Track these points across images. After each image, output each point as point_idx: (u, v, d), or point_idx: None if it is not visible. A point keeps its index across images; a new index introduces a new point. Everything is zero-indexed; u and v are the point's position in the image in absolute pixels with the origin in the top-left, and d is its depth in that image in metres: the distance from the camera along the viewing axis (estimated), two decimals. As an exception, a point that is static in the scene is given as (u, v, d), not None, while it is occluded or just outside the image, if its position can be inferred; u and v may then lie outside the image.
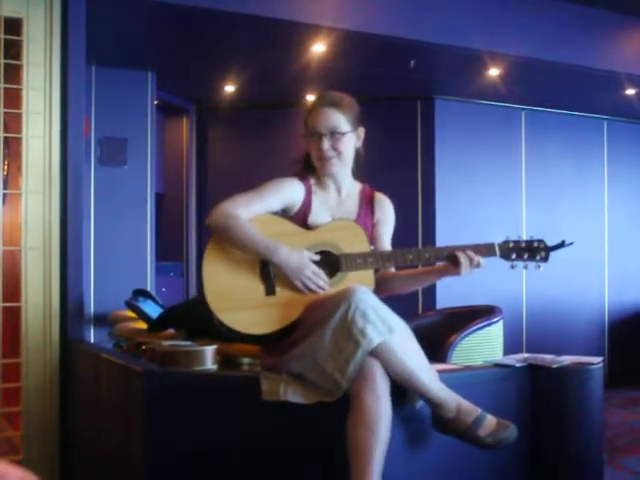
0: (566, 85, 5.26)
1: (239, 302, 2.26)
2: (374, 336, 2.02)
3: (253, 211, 2.30)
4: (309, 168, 2.48)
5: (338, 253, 2.31)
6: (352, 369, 2.03)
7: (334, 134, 2.38)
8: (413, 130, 5.52)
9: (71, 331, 3.10)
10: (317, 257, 2.30)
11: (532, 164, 5.88)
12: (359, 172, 2.54)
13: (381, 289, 2.44)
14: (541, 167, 5.91)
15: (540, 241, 2.35)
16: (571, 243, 2.31)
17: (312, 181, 2.46)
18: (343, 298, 2.08)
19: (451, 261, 2.30)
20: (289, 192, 2.39)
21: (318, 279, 2.26)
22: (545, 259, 2.34)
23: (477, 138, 5.66)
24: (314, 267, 2.27)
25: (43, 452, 3.08)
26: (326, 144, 2.38)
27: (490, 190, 5.71)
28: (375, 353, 2.04)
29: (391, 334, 2.04)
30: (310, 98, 5.34)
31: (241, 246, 2.27)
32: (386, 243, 2.52)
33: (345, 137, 2.40)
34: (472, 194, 5.61)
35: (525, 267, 2.35)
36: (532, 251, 2.34)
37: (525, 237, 2.36)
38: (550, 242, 2.34)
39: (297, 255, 2.26)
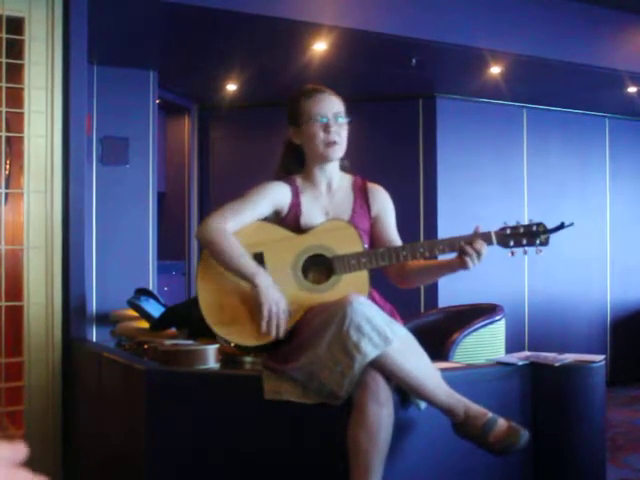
0: (568, 83, 5.25)
1: (232, 314, 2.24)
2: (369, 350, 1.98)
3: (242, 221, 2.28)
4: (294, 167, 2.46)
5: (331, 256, 2.27)
6: (349, 382, 2.01)
7: (338, 120, 2.38)
8: (415, 128, 5.51)
9: (73, 330, 3.10)
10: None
11: (534, 162, 5.88)
12: (346, 165, 2.51)
13: (402, 281, 2.44)
14: (543, 165, 5.91)
15: (539, 224, 2.25)
16: (571, 224, 2.22)
17: (299, 181, 2.43)
18: (339, 309, 2.04)
19: (458, 255, 2.22)
20: (275, 195, 2.36)
21: (282, 320, 2.18)
22: (545, 243, 2.25)
23: (479, 136, 5.65)
24: (287, 309, 2.20)
25: (45, 451, 3.08)
26: (334, 127, 2.36)
27: (492, 188, 5.70)
28: (375, 364, 2.00)
29: (388, 345, 1.99)
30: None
31: (225, 267, 2.24)
32: (392, 233, 2.47)
33: (345, 125, 2.41)
34: (474, 192, 5.61)
35: (525, 252, 2.26)
36: (531, 236, 2.25)
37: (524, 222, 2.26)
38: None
39: (278, 290, 2.21)
